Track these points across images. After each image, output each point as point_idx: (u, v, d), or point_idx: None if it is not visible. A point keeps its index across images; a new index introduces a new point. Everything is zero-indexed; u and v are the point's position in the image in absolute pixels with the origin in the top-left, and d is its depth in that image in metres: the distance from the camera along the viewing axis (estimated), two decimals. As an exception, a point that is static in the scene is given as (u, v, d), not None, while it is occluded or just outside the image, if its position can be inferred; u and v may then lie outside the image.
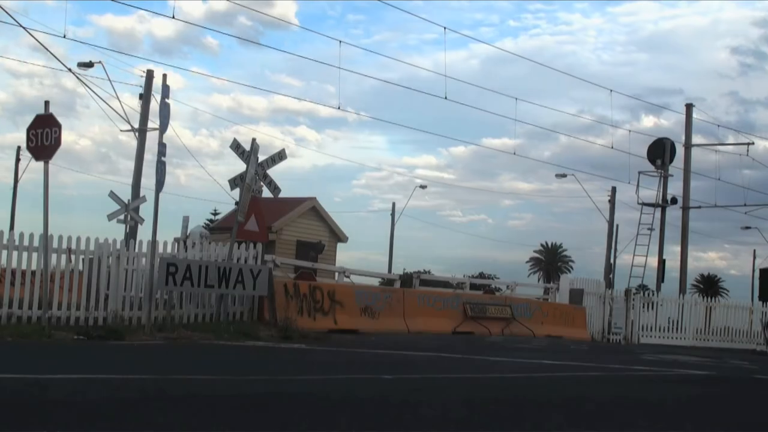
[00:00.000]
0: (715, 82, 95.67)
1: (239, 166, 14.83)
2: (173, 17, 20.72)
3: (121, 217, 22.65)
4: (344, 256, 32.54)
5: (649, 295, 25.79)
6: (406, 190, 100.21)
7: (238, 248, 14.83)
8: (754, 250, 56.73)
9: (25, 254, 12.65)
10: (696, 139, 30.98)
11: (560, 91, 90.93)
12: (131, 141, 25.35)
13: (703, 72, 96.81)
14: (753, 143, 30.78)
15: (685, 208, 30.42)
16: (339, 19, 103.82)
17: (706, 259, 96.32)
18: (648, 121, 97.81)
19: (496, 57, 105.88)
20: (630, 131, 38.17)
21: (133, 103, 25.70)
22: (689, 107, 31.29)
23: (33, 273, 12.71)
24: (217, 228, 29.53)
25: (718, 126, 31.16)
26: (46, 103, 12.59)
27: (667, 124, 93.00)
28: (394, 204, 52.38)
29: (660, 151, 29.68)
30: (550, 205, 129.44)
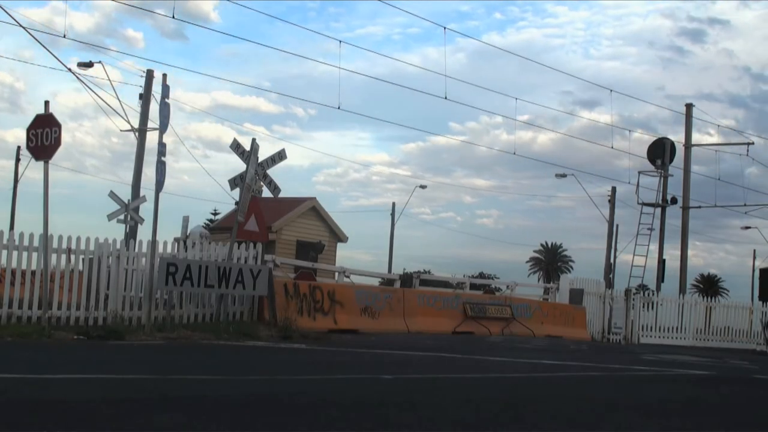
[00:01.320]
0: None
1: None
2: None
3: (121, 217, 22.65)
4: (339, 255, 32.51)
5: (649, 295, 25.79)
6: (365, 187, 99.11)
7: (238, 248, 14.83)
8: (754, 250, 56.75)
9: (25, 254, 12.66)
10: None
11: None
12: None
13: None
14: (753, 143, 30.79)
15: (685, 208, 30.42)
16: (320, 11, 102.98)
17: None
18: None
19: (483, 51, 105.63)
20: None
21: (132, 103, 25.71)
22: (689, 107, 31.28)
23: (33, 273, 12.72)
24: (217, 228, 29.55)
25: (719, 126, 31.16)
26: (46, 103, 12.60)
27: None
28: (393, 204, 52.44)
29: (660, 151, 29.69)
30: (512, 203, 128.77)
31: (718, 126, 31.52)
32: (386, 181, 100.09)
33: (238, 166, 14.65)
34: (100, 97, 38.10)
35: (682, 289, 29.51)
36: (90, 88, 23.63)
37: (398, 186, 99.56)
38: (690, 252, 30.89)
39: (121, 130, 25.49)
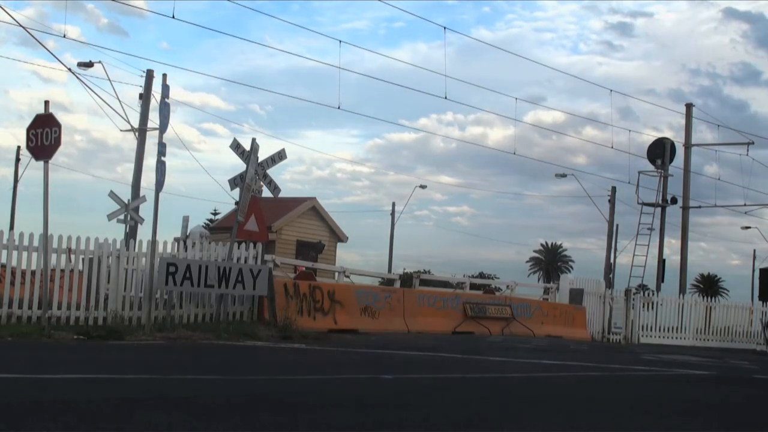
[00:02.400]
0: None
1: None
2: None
3: (121, 217, 22.65)
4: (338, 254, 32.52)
5: (649, 295, 25.79)
6: (332, 185, 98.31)
7: (238, 248, 14.83)
8: (754, 250, 56.78)
9: (25, 254, 12.66)
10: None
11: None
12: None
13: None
14: (753, 143, 30.76)
15: (685, 208, 30.42)
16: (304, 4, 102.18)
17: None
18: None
19: (471, 46, 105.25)
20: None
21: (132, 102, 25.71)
22: (689, 107, 31.28)
23: (33, 273, 12.72)
24: (217, 228, 29.56)
25: (719, 126, 31.13)
26: (46, 102, 12.60)
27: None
28: (393, 204, 52.48)
29: (660, 151, 29.69)
30: (486, 199, 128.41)
31: (718, 126, 31.33)
32: (351, 179, 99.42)
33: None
34: (99, 96, 38.11)
35: (682, 289, 29.50)
36: (90, 89, 23.58)
37: (365, 183, 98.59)
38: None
39: (121, 130, 25.49)
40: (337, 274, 20.15)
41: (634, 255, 28.97)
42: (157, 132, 13.70)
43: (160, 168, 12.91)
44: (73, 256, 13.17)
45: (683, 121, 31.03)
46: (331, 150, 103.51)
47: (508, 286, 24.79)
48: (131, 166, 25.04)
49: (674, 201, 30.01)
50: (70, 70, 22.70)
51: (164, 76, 13.45)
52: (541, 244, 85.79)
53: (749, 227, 44.55)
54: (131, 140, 24.65)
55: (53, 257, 12.88)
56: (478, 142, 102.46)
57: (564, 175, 38.43)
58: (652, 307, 24.56)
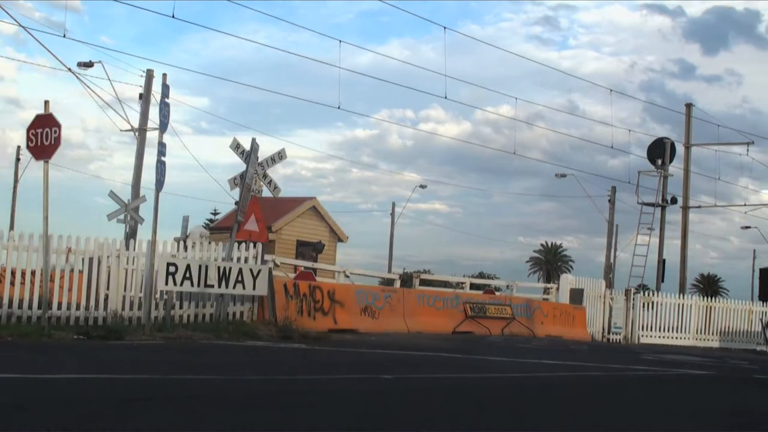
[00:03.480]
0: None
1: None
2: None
3: (121, 216, 22.63)
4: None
5: (649, 294, 25.79)
6: (298, 182, 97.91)
7: (238, 248, 14.83)
8: (754, 250, 56.79)
9: (25, 254, 12.66)
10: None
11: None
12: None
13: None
14: (753, 142, 30.75)
15: (685, 208, 30.42)
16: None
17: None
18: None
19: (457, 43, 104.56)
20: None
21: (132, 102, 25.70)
22: (689, 107, 31.27)
23: (33, 273, 12.72)
24: (217, 228, 29.54)
25: (719, 126, 31.11)
26: (46, 102, 12.58)
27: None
28: (393, 204, 52.47)
29: (660, 151, 29.69)
30: (456, 197, 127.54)
31: (718, 126, 31.30)
32: (318, 176, 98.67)
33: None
34: (99, 96, 38.11)
35: (682, 289, 29.51)
36: (90, 89, 23.55)
37: (330, 180, 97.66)
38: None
39: (121, 130, 25.46)
40: (336, 273, 20.15)
41: (634, 255, 28.99)
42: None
43: (160, 168, 12.91)
44: (72, 256, 13.17)
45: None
46: (292, 148, 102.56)
47: (508, 286, 24.80)
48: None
49: (674, 201, 30.01)
50: (70, 69, 22.63)
51: (164, 75, 13.47)
52: (541, 244, 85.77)
53: (749, 227, 44.50)
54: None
55: (53, 257, 12.88)
56: (478, 142, 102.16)
57: (564, 175, 38.40)
58: (652, 307, 24.57)
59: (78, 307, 12.88)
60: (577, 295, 23.13)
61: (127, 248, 13.73)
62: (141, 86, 24.15)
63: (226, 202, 34.84)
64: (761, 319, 25.68)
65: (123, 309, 13.24)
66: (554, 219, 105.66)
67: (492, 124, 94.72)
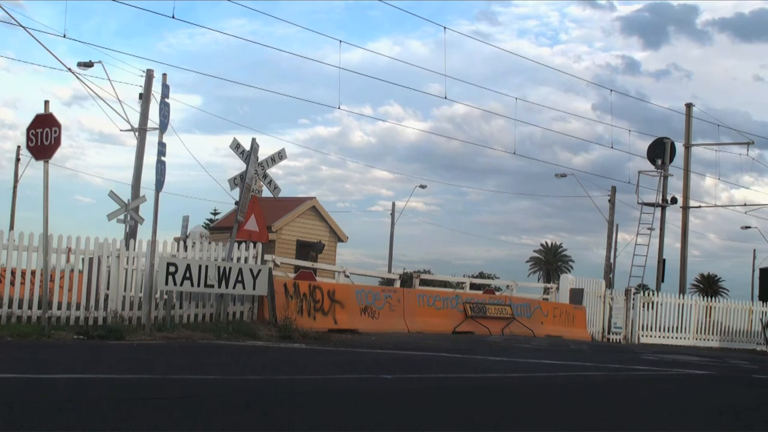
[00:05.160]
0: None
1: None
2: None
3: (121, 216, 22.63)
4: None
5: (649, 294, 25.79)
6: (279, 181, 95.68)
7: (238, 248, 14.83)
8: (754, 250, 56.76)
9: (25, 254, 12.66)
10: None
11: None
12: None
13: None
14: (753, 142, 30.76)
15: (685, 208, 30.43)
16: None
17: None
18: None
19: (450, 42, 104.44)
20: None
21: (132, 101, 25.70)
22: (689, 107, 31.28)
23: (33, 273, 12.72)
24: (217, 228, 29.55)
25: (719, 126, 31.12)
26: (46, 102, 12.58)
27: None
28: (393, 204, 52.46)
29: (660, 151, 29.70)
30: (433, 194, 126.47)
31: (718, 126, 31.30)
32: (290, 174, 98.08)
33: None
34: (100, 97, 38.13)
35: (682, 289, 29.51)
36: (90, 89, 23.58)
37: (303, 179, 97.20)
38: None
39: (121, 130, 25.49)
40: (336, 273, 20.15)
41: (634, 255, 29.00)
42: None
43: (160, 168, 12.91)
44: (72, 256, 13.17)
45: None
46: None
47: (508, 286, 24.79)
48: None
49: (674, 201, 30.01)
50: (70, 69, 22.64)
51: (164, 76, 13.46)
52: (541, 244, 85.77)
53: (749, 227, 44.47)
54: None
55: (53, 257, 12.88)
56: (478, 142, 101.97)
57: (564, 175, 38.37)
58: (652, 307, 24.57)
59: (78, 307, 12.88)
60: (577, 295, 23.14)
61: (127, 248, 13.73)
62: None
63: (227, 202, 34.92)
64: (761, 319, 25.69)
65: (123, 309, 13.24)
66: (530, 217, 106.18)
67: (451, 120, 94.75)
